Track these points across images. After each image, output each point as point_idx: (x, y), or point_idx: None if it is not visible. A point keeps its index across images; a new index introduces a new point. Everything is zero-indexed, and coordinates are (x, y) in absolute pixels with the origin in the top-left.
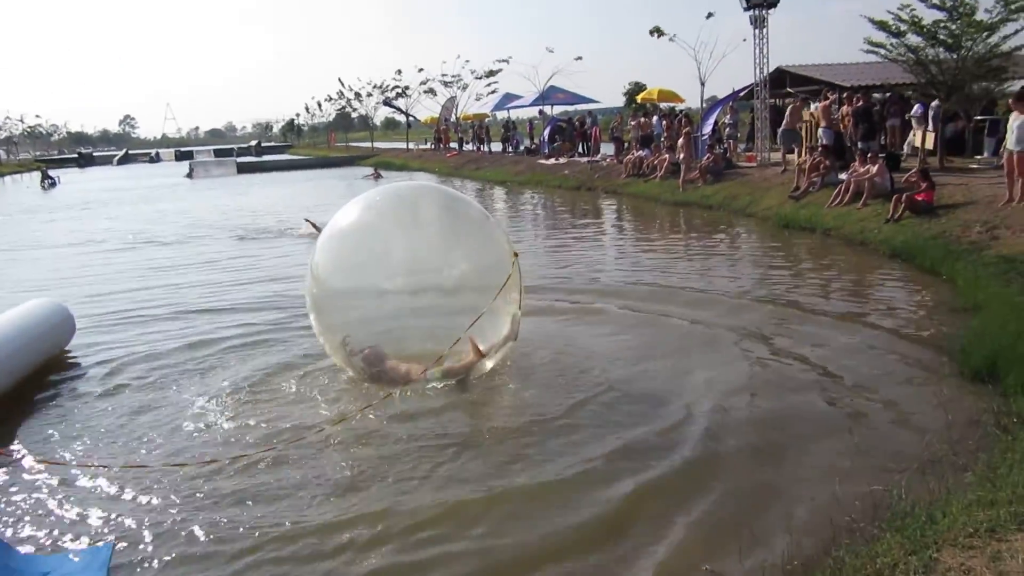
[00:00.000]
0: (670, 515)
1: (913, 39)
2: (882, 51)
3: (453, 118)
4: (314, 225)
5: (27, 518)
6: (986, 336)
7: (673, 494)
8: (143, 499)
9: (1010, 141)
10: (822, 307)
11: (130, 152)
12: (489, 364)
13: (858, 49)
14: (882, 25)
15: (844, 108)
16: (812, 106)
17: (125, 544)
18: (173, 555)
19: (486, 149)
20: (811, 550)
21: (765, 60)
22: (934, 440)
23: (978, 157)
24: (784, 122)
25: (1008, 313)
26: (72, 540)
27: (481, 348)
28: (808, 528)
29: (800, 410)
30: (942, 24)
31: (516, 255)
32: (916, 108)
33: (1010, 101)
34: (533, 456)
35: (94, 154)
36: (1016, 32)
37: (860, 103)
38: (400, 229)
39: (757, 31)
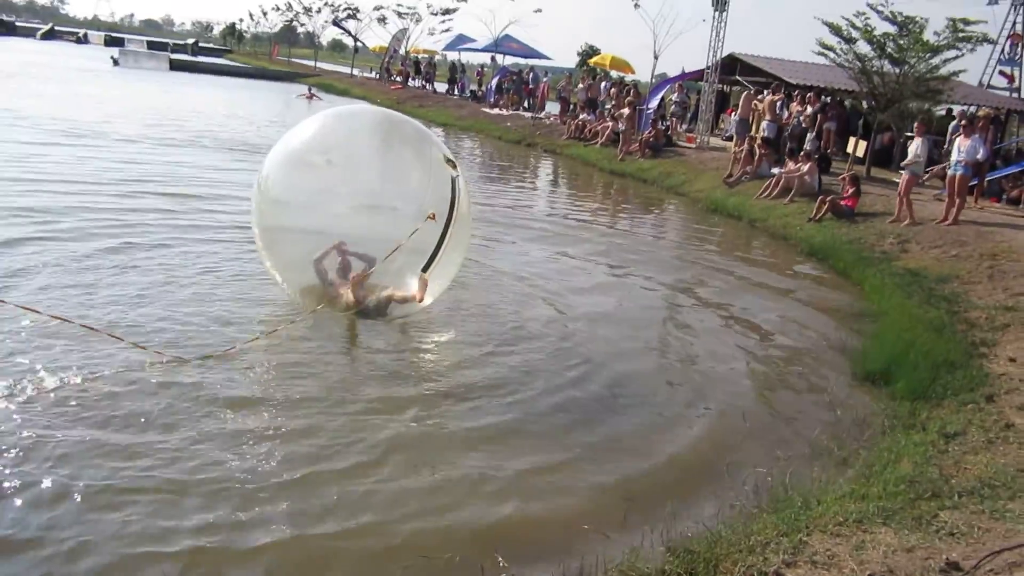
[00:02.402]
0: (555, 479)
1: (863, 48)
2: (831, 55)
3: (402, 51)
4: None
5: None
6: (883, 342)
7: (560, 456)
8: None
9: (953, 165)
10: (731, 295)
11: (56, 28)
12: (420, 305)
13: (808, 50)
14: (835, 29)
15: (793, 105)
16: (762, 97)
17: None
18: (48, 465)
19: (431, 88)
20: (692, 522)
21: (720, 44)
22: (822, 434)
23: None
24: (739, 111)
25: (906, 322)
26: None
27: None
28: (691, 501)
29: (696, 392)
30: (891, 37)
31: (432, 217)
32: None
33: (962, 125)
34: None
35: (16, 23)
36: (956, 58)
37: (816, 104)
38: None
39: (717, 13)
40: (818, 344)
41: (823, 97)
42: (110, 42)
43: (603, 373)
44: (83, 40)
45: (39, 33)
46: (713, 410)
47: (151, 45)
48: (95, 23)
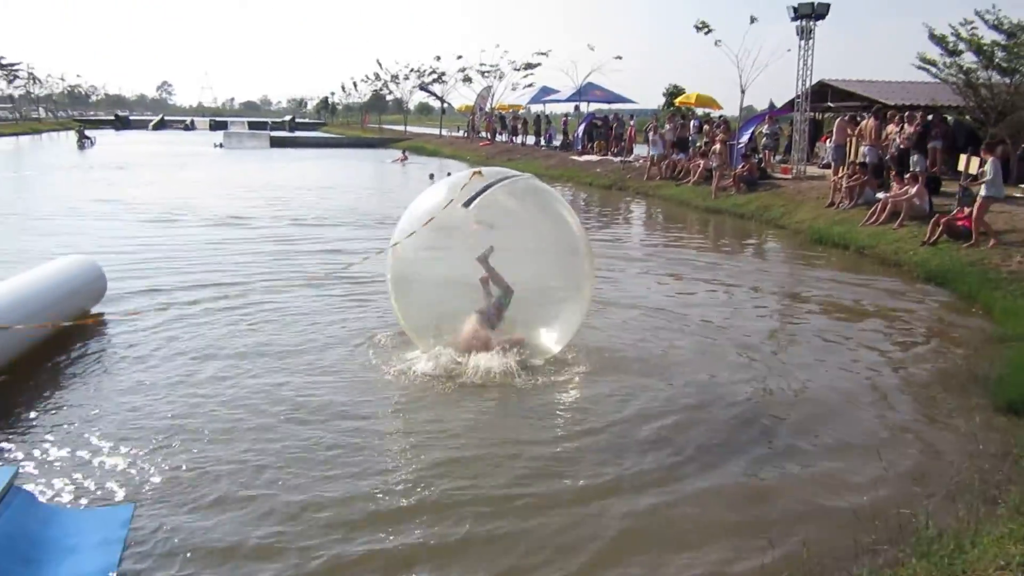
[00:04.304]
0: (692, 520)
1: (968, 59)
2: (933, 69)
3: (488, 108)
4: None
5: (52, 473)
6: (1022, 368)
7: (698, 498)
8: (169, 462)
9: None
10: (853, 328)
11: (166, 118)
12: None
13: (902, 68)
14: (940, 40)
15: (890, 127)
16: (860, 120)
17: (147, 504)
18: (194, 518)
19: (519, 141)
20: (831, 567)
21: (809, 72)
22: (963, 468)
23: (1022, 185)
24: (834, 137)
25: None
26: (95, 499)
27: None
28: (829, 544)
29: (827, 427)
30: (1000, 46)
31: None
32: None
33: (981, 149)
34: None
35: (130, 117)
36: None
37: (919, 125)
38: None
39: (803, 42)
40: (948, 373)
41: (926, 115)
42: (214, 126)
43: (734, 412)
44: (190, 127)
45: (151, 124)
46: (846, 446)
47: (252, 125)
48: (200, 110)
